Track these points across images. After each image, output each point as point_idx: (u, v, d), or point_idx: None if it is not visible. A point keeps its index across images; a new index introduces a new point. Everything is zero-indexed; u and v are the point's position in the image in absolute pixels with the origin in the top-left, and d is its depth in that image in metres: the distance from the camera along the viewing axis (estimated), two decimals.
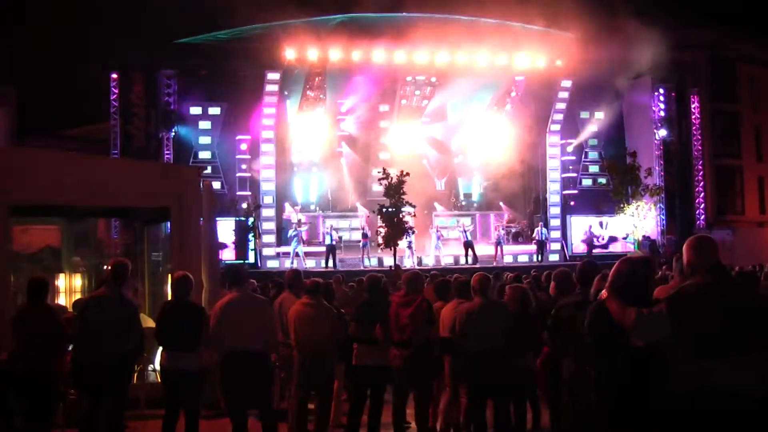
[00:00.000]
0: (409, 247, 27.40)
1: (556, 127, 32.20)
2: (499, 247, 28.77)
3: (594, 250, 29.73)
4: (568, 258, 30.21)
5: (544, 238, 29.45)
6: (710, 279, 4.25)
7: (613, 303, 4.37)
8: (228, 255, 26.37)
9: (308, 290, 8.28)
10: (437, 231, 28.68)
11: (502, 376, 7.53)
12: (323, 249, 26.95)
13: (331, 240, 26.61)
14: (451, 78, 30.13)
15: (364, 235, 27.27)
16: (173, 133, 28.82)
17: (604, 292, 4.54)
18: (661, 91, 33.22)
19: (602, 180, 32.69)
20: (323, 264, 26.51)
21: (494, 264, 26.91)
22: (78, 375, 7.79)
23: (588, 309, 4.69)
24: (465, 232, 28.33)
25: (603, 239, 31.27)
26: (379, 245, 25.90)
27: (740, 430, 4.02)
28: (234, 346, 7.31)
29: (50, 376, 7.47)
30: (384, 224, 25.15)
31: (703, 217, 33.67)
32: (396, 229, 24.93)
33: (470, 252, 27.94)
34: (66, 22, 30.46)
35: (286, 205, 29.60)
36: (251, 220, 27.49)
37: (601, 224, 31.35)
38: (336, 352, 8.36)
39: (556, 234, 31.50)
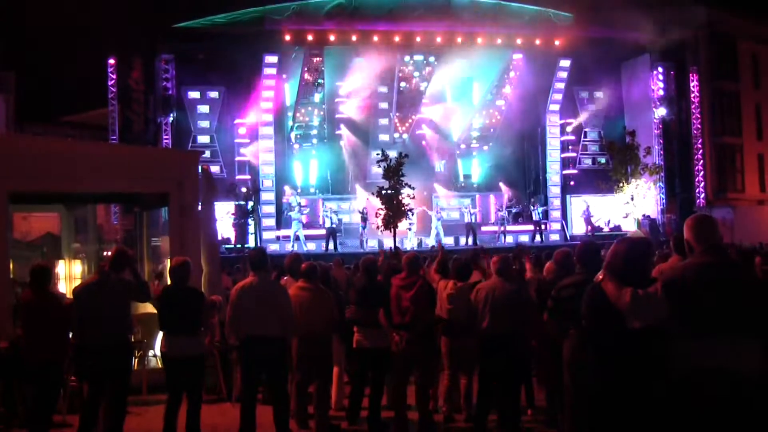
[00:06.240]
0: (410, 229, 27.42)
1: (556, 107, 32.23)
2: (502, 227, 28.89)
3: (595, 230, 29.74)
4: (568, 238, 30.22)
5: (538, 218, 29.48)
6: (707, 259, 4.21)
7: (609, 284, 4.33)
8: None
9: (304, 274, 8.22)
10: (437, 212, 28.71)
11: (512, 357, 7.56)
12: (323, 232, 26.99)
13: (331, 223, 26.64)
14: (450, 59, 29.99)
15: (363, 219, 27.32)
16: (172, 118, 28.73)
17: (600, 274, 4.50)
18: (661, 69, 33.09)
19: (602, 159, 32.69)
20: (323, 247, 26.56)
21: (496, 244, 27.05)
22: (78, 362, 7.82)
23: (585, 291, 4.67)
24: (470, 213, 28.47)
25: (601, 224, 31.12)
26: (378, 227, 25.87)
27: (738, 411, 4.00)
28: (249, 332, 7.38)
29: (55, 363, 7.47)
30: (383, 206, 25.13)
31: (703, 195, 33.62)
32: (396, 211, 24.90)
33: (471, 233, 28.00)
34: (64, 8, 30.29)
35: (286, 188, 29.55)
36: (251, 204, 27.47)
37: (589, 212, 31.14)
38: (332, 335, 8.36)
39: (556, 214, 31.58)
